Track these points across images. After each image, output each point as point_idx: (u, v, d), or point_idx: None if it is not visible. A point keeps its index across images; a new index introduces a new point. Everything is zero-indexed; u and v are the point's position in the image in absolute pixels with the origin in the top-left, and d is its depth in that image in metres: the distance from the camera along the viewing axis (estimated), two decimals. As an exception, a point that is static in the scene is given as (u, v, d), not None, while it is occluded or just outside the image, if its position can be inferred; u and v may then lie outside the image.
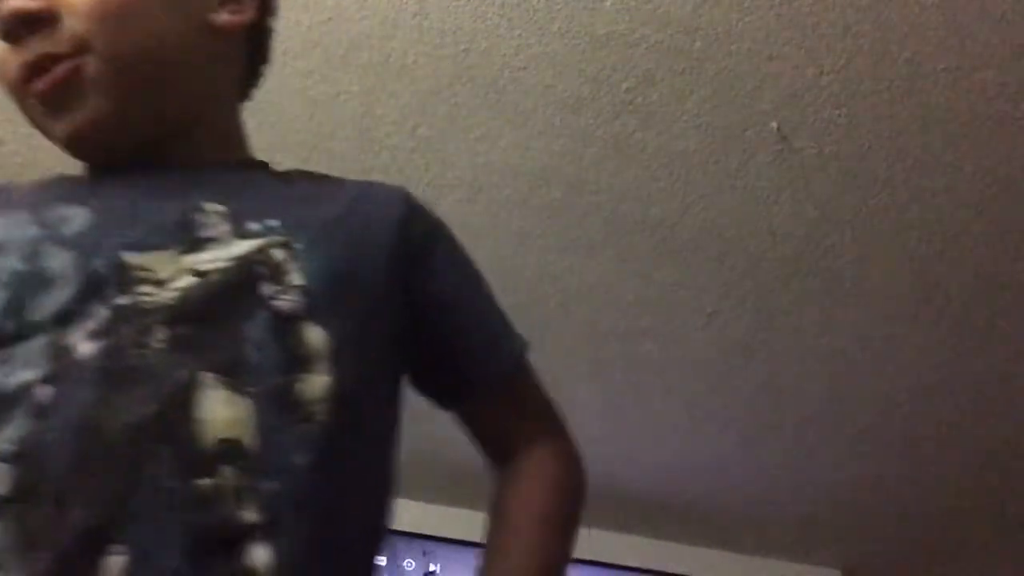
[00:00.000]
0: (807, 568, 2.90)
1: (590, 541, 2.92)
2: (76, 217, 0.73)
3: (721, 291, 2.10)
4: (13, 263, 0.69)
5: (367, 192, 0.87)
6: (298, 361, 0.69)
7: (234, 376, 0.66)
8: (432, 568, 2.69)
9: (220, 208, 0.75)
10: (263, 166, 0.91)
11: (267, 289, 0.71)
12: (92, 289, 0.68)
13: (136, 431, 0.62)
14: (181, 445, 0.63)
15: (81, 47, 0.75)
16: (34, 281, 0.68)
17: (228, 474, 0.63)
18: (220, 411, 0.65)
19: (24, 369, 0.64)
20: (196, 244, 0.72)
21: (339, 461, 0.69)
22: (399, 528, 2.78)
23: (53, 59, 0.75)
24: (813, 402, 2.36)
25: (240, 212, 0.76)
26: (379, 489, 0.78)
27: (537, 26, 1.66)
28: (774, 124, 1.77)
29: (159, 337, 0.66)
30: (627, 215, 1.96)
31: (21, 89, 0.77)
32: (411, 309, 0.83)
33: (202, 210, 0.75)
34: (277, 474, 0.65)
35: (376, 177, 2.00)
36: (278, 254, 0.73)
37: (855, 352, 2.22)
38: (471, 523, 3.10)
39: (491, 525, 0.86)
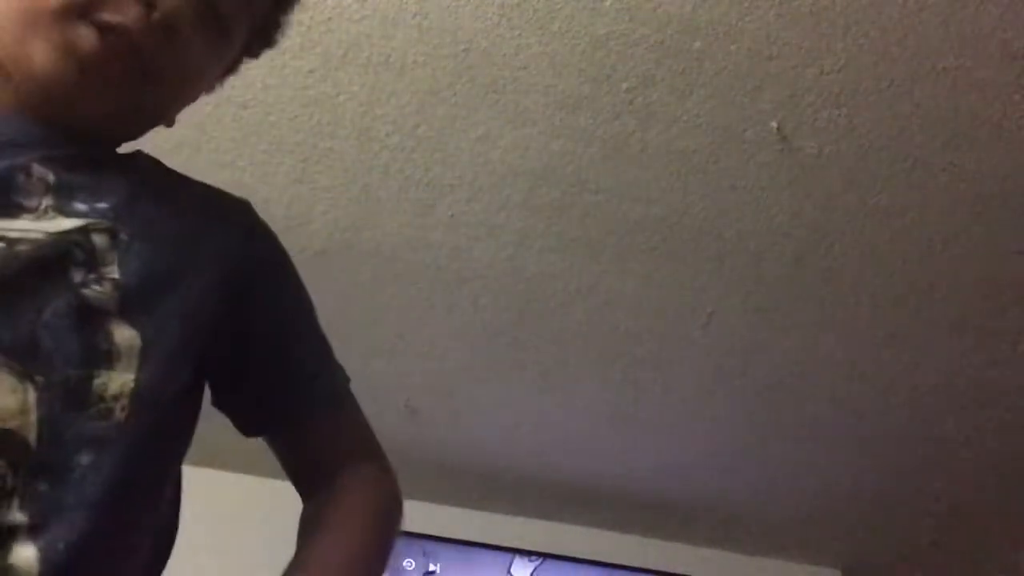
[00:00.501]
0: (807, 568, 2.90)
1: (590, 541, 2.93)
2: None
3: (721, 291, 2.10)
4: None
5: (212, 198, 0.84)
6: (99, 356, 0.65)
7: (23, 362, 0.61)
8: (432, 568, 2.69)
9: (49, 177, 0.69)
10: (112, 144, 0.83)
11: (79, 275, 0.66)
12: None
13: None
14: None
15: (154, 71, 0.75)
16: None
17: (2, 468, 0.59)
18: (2, 397, 0.60)
19: None
20: (9, 208, 0.66)
21: (129, 463, 0.65)
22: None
23: (139, 44, 0.73)
24: (813, 402, 2.36)
25: (70, 186, 0.70)
26: (166, 494, 0.74)
27: (537, 26, 1.66)
28: (774, 124, 1.77)
29: None
30: (627, 215, 1.96)
31: (67, 14, 0.72)
32: (236, 328, 0.79)
33: (29, 173, 0.69)
34: (54, 472, 0.61)
35: (376, 177, 2.01)
36: (99, 240, 0.68)
37: (855, 352, 2.22)
38: (471, 523, 3.13)
39: (309, 536, 0.80)
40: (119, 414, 0.65)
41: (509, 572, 2.71)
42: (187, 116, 1.68)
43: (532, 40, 1.68)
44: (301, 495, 0.86)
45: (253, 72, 1.75)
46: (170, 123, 0.86)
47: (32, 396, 0.61)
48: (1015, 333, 2.14)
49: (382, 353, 2.31)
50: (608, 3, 1.62)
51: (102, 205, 0.70)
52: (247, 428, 0.85)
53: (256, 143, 1.86)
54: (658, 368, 2.31)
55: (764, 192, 1.89)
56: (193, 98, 0.85)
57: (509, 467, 2.63)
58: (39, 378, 0.62)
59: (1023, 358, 2.20)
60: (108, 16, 0.71)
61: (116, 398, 0.65)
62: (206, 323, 0.75)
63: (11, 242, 0.64)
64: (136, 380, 0.66)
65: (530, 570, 2.73)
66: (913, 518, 2.71)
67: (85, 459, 0.62)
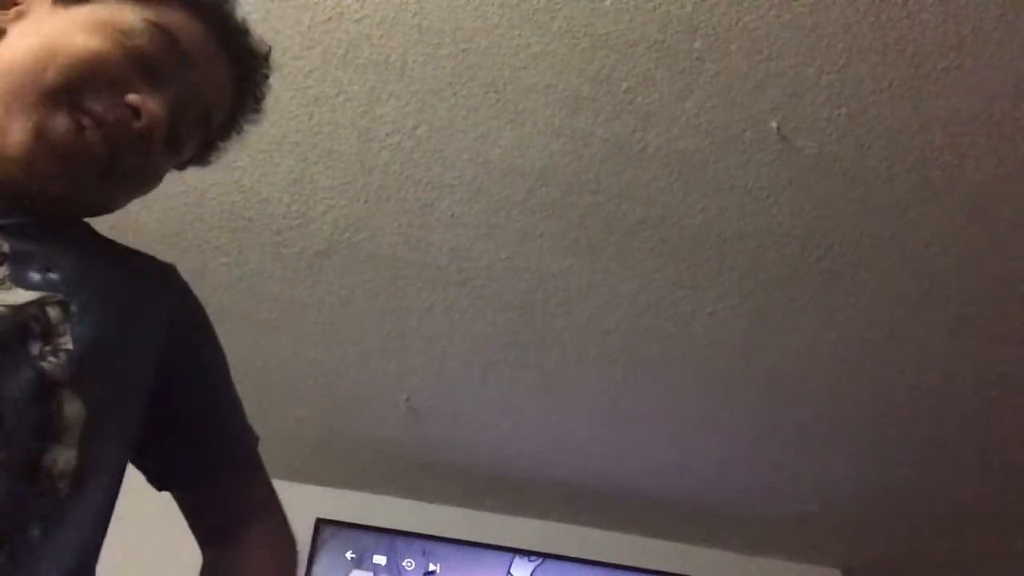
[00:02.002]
0: (807, 568, 2.90)
1: (590, 541, 2.93)
2: None
3: (721, 291, 2.10)
4: None
5: (146, 265, 0.87)
6: (52, 430, 0.66)
7: None
8: (432, 568, 2.69)
9: (4, 247, 0.72)
10: (59, 216, 0.84)
11: (36, 348, 0.68)
12: None
13: None
14: None
15: (124, 173, 0.80)
16: None
17: None
18: None
19: None
20: None
21: (69, 536, 0.67)
22: (399, 528, 2.79)
23: (120, 146, 0.77)
24: (813, 402, 2.36)
25: (24, 256, 0.72)
26: (94, 554, 0.75)
27: (537, 26, 1.66)
28: (774, 124, 1.77)
29: None
30: (627, 215, 1.96)
31: (67, 94, 0.75)
32: (161, 386, 0.82)
33: None
34: (12, 544, 0.62)
35: (376, 177, 2.01)
36: (53, 313, 0.70)
37: (855, 352, 2.22)
38: (471, 523, 3.13)
39: None
40: (63, 490, 0.66)
41: (509, 572, 2.71)
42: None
43: (532, 40, 1.68)
44: (204, 546, 0.91)
45: (253, 72, 1.75)
46: (112, 212, 0.88)
47: None
48: (1015, 333, 2.14)
49: (382, 353, 2.31)
50: (608, 3, 1.62)
51: (53, 276, 0.72)
52: (162, 482, 0.90)
53: (256, 143, 1.86)
54: (658, 368, 2.31)
55: (764, 192, 1.89)
56: (140, 196, 0.88)
57: (509, 467, 2.63)
58: (2, 452, 0.63)
59: (1023, 358, 2.20)
60: (94, 106, 0.75)
61: (61, 475, 0.66)
62: (142, 387, 0.79)
63: None
64: (79, 456, 0.67)
65: (530, 570, 2.74)
66: (913, 518, 2.71)
67: (35, 533, 0.64)
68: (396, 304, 2.19)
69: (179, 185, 1.93)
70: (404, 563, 2.68)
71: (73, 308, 0.71)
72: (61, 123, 0.74)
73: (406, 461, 2.67)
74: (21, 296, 0.69)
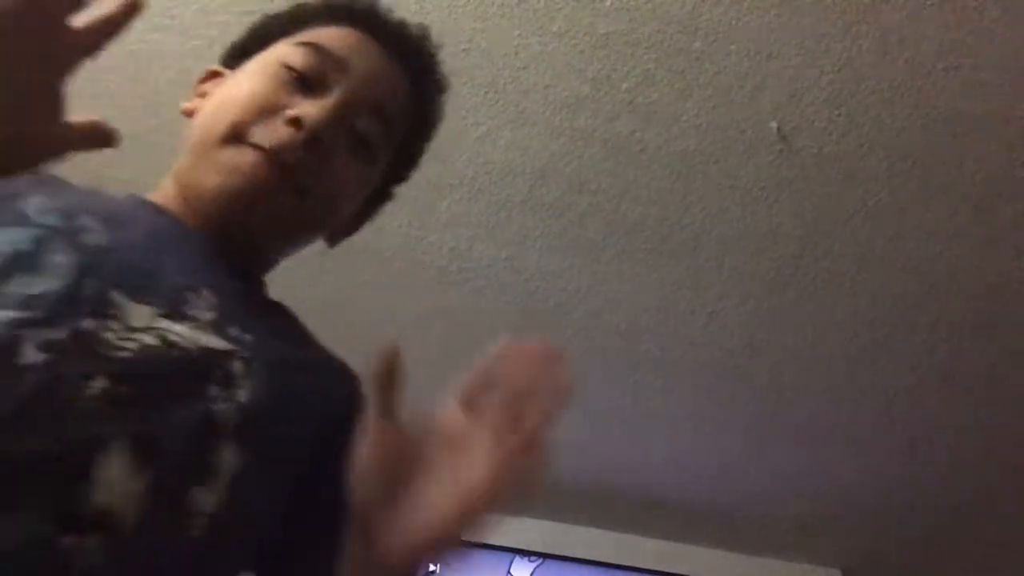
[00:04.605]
0: (807, 568, 2.90)
1: (590, 541, 2.93)
2: (96, 235, 0.75)
3: (721, 291, 2.10)
4: (22, 239, 0.71)
5: (330, 361, 0.89)
6: (203, 471, 0.69)
7: (143, 454, 0.65)
8: (432, 568, 2.68)
9: (214, 300, 0.78)
10: (262, 284, 0.94)
11: (214, 391, 0.72)
12: (68, 298, 0.68)
13: (30, 464, 0.62)
14: (66, 496, 0.62)
15: (310, 190, 0.85)
16: (28, 263, 0.70)
17: (92, 543, 0.62)
18: (116, 480, 0.63)
19: None
20: (177, 315, 0.74)
21: (190, 573, 0.69)
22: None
23: (291, 162, 0.83)
24: (813, 402, 2.36)
25: (228, 314, 0.78)
26: None
27: (537, 26, 1.66)
28: (774, 124, 1.77)
29: (98, 385, 0.66)
30: (627, 215, 1.95)
31: (237, 136, 0.83)
32: (306, 482, 0.82)
33: (199, 293, 0.77)
34: (136, 565, 0.64)
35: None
36: (238, 366, 0.74)
37: (855, 352, 2.22)
38: (471, 523, 3.07)
39: None
40: (196, 531, 0.68)
41: (509, 572, 2.71)
42: (187, 117, 1.66)
43: (532, 40, 1.68)
44: None
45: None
46: (330, 243, 0.97)
47: (141, 488, 0.64)
48: (1015, 333, 2.14)
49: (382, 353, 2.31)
50: (608, 3, 1.62)
51: (247, 337, 0.77)
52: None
53: (256, 143, 1.86)
54: (658, 368, 2.30)
55: (764, 192, 1.89)
56: (342, 218, 0.95)
57: (509, 467, 2.63)
58: (151, 474, 0.65)
59: (1023, 358, 2.20)
60: (262, 139, 0.82)
61: (199, 515, 0.68)
62: (295, 467, 0.80)
63: (168, 343, 0.71)
64: (218, 504, 0.69)
65: (530, 570, 2.73)
66: (913, 518, 2.71)
67: (161, 562, 0.65)
68: (396, 304, 2.19)
69: (179, 185, 1.93)
70: (404, 563, 2.67)
71: (255, 368, 0.75)
72: (245, 155, 0.82)
73: (406, 461, 2.66)
74: (216, 343, 0.74)
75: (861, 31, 1.62)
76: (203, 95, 0.93)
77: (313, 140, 0.83)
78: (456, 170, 1.89)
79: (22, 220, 0.73)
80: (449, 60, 1.72)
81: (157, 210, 0.86)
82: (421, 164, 1.02)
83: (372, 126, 0.89)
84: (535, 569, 2.74)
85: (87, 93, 1.94)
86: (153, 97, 1.78)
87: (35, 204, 0.75)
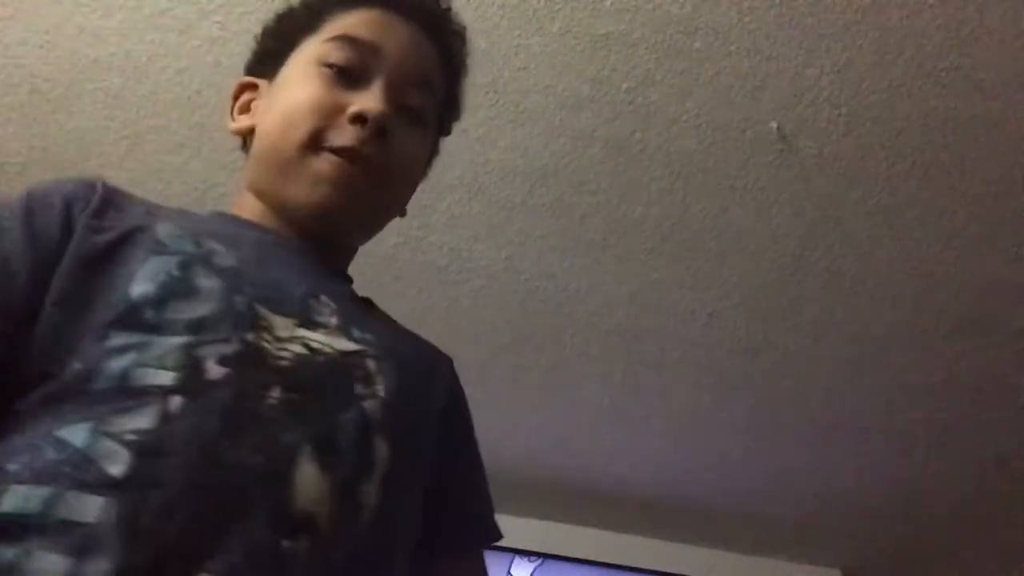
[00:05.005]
0: (807, 568, 2.90)
1: (590, 541, 2.93)
2: (225, 256, 0.80)
3: (721, 291, 2.10)
4: (170, 266, 0.75)
5: (431, 347, 0.96)
6: (368, 466, 0.74)
7: (325, 456, 0.70)
8: (432, 568, 2.68)
9: (332, 305, 0.83)
10: (351, 281, 0.99)
11: (359, 389, 0.77)
12: (228, 316, 0.73)
13: (245, 475, 0.66)
14: (277, 502, 0.66)
15: (387, 173, 0.90)
16: (183, 288, 0.74)
17: (303, 544, 0.66)
18: (310, 483, 0.68)
19: (158, 369, 0.68)
20: (310, 323, 0.79)
21: (358, 566, 0.72)
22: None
23: (368, 155, 0.88)
24: (813, 402, 2.36)
25: (347, 317, 0.83)
26: None
27: (537, 26, 1.66)
28: (774, 124, 1.77)
29: (275, 395, 0.71)
30: (627, 215, 1.96)
31: (312, 144, 0.87)
32: (437, 461, 0.89)
33: (319, 300, 0.83)
34: (328, 559, 0.68)
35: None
36: (371, 364, 0.79)
37: (855, 352, 2.22)
38: (471, 523, 3.06)
39: None
40: (367, 525, 0.72)
41: (509, 572, 2.71)
42: (187, 116, 1.70)
43: (532, 40, 1.68)
44: None
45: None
46: (403, 213, 1.02)
47: (327, 489, 0.69)
48: (1015, 333, 2.14)
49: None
50: (608, 3, 1.62)
51: (369, 336, 0.82)
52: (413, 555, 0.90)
53: (256, 143, 1.86)
54: (658, 368, 2.30)
55: (764, 192, 1.89)
56: (415, 186, 1.01)
57: (509, 467, 2.63)
58: (333, 475, 0.70)
59: (1022, 358, 2.20)
60: (335, 141, 0.87)
61: (367, 509, 0.72)
62: (431, 451, 0.86)
63: (313, 351, 0.76)
64: (379, 496, 0.73)
65: (530, 570, 2.73)
66: (913, 518, 2.71)
67: (340, 554, 0.69)
68: (396, 304, 2.19)
69: (179, 185, 1.93)
70: (404, 563, 2.67)
71: (385, 364, 0.81)
72: (324, 161, 0.86)
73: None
74: (348, 345, 0.79)
75: (861, 31, 1.62)
76: (247, 110, 0.96)
77: (380, 131, 0.87)
78: (456, 170, 1.89)
79: (161, 248, 0.77)
80: (449, 60, 1.73)
81: (253, 225, 0.90)
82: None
83: (419, 97, 0.94)
84: (535, 569, 2.74)
85: (87, 93, 1.95)
86: (153, 97, 1.78)
87: (164, 231, 0.79)
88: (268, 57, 0.97)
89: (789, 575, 2.89)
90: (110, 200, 0.80)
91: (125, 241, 0.76)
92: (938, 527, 2.73)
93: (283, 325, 0.76)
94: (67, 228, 0.75)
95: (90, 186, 0.80)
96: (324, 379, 0.75)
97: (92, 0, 1.67)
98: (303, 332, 0.77)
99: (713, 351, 2.25)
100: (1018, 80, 1.66)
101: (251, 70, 0.99)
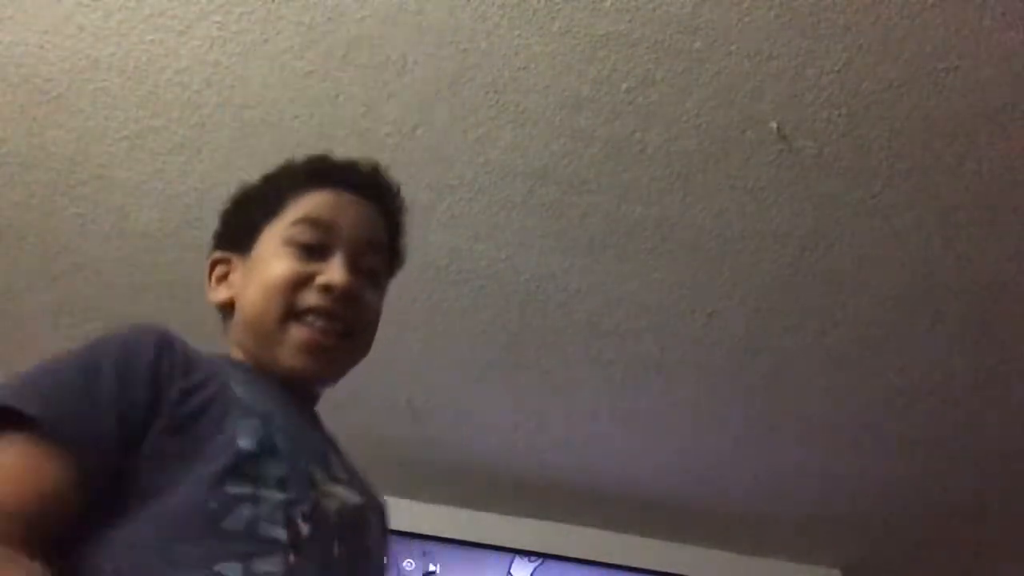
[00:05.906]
0: (807, 568, 2.90)
1: (590, 541, 2.93)
2: (278, 415, 0.94)
3: (721, 291, 2.10)
4: (258, 425, 0.90)
5: (376, 494, 1.09)
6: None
7: (358, 564, 0.94)
8: (432, 568, 2.69)
9: (335, 459, 1.01)
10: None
11: (367, 541, 0.97)
12: (297, 475, 0.90)
13: None
14: None
15: (354, 329, 1.05)
16: (269, 446, 0.90)
17: None
18: None
19: (272, 524, 0.86)
20: (334, 478, 0.96)
21: None
22: (399, 528, 2.79)
23: (340, 320, 1.03)
24: (812, 402, 2.36)
25: (346, 468, 1.01)
26: None
27: (537, 26, 1.66)
28: (774, 124, 1.77)
29: (336, 547, 0.90)
30: (627, 215, 1.96)
31: (289, 312, 1.01)
32: None
33: (329, 455, 1.00)
34: None
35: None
36: (370, 516, 1.00)
37: (855, 352, 2.22)
38: (471, 523, 3.13)
39: None
40: None
41: (509, 572, 2.71)
42: (187, 116, 1.70)
43: (532, 40, 1.68)
44: None
45: (253, 72, 1.75)
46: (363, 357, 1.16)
47: None
48: (1015, 333, 2.14)
49: (382, 353, 2.31)
50: (608, 3, 1.62)
51: (358, 484, 1.01)
52: None
53: (256, 143, 1.86)
54: (658, 368, 2.31)
55: (764, 192, 1.89)
56: (376, 330, 1.14)
57: (509, 467, 2.63)
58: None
59: (1023, 358, 2.20)
60: (308, 302, 1.01)
61: None
62: None
63: (343, 504, 0.94)
64: None
65: (530, 570, 2.74)
66: (913, 518, 2.71)
67: None
68: (396, 304, 2.19)
69: (179, 185, 1.93)
70: (404, 563, 2.68)
71: (372, 515, 1.01)
72: (299, 330, 1.01)
73: (406, 461, 2.67)
74: (357, 499, 0.98)
75: (861, 31, 1.62)
76: (224, 282, 1.10)
77: (347, 297, 1.02)
78: (456, 170, 1.89)
79: (246, 409, 0.91)
80: (449, 60, 1.73)
81: (266, 381, 1.02)
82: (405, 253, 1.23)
83: (373, 259, 1.10)
84: (535, 569, 2.74)
85: (87, 93, 1.95)
86: (153, 97, 1.78)
87: (239, 390, 0.93)
88: (238, 236, 1.10)
89: (789, 575, 2.89)
90: (189, 359, 0.93)
91: (216, 398, 0.91)
92: (938, 527, 2.73)
93: (323, 480, 0.93)
94: (157, 385, 0.89)
95: (169, 343, 0.93)
96: (355, 532, 0.94)
97: (92, 0, 1.67)
98: (332, 488, 0.94)
99: (713, 351, 2.25)
100: (1018, 80, 1.66)
101: (222, 246, 1.12)
